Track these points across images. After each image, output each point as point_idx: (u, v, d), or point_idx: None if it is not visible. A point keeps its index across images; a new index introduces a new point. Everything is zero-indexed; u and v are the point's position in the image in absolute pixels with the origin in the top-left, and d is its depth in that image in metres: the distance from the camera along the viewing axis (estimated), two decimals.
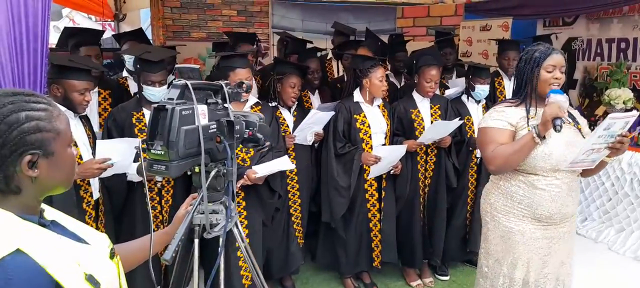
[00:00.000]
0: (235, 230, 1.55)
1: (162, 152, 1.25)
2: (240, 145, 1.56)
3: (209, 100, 1.44)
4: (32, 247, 0.92)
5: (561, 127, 1.96)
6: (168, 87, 1.49)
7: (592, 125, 4.48)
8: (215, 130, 1.39)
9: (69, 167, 1.06)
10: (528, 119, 2.11)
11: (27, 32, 2.01)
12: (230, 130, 1.43)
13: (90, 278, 0.98)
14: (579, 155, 1.98)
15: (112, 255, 1.13)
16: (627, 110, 4.39)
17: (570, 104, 3.87)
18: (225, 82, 1.48)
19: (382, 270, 3.46)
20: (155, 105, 1.28)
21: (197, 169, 1.38)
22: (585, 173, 2.20)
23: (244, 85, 1.55)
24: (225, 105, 1.48)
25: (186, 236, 1.39)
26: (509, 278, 2.20)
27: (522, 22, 6.05)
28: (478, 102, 3.47)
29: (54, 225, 1.06)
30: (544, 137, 2.02)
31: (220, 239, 1.39)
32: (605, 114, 4.73)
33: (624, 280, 3.56)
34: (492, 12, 6.36)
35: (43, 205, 1.08)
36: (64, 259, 0.96)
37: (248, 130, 1.51)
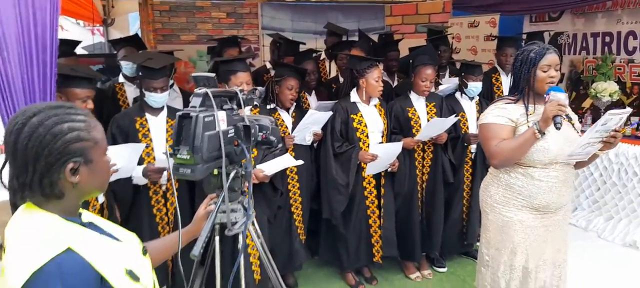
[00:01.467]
0: (251, 228, 1.62)
1: (188, 157, 1.32)
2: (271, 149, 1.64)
3: (224, 106, 1.51)
4: (80, 246, 1.00)
5: (561, 124, 2.07)
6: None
7: (580, 118, 4.62)
8: (233, 134, 1.46)
9: (105, 173, 1.14)
10: (527, 115, 2.21)
11: (36, 43, 2.04)
12: (246, 134, 1.50)
13: (131, 273, 1.06)
14: (577, 149, 2.11)
15: (145, 252, 1.20)
16: (613, 103, 4.55)
17: None
18: (239, 88, 1.55)
19: (381, 264, 3.54)
20: (180, 113, 1.35)
21: (215, 172, 1.45)
22: (578, 165, 2.32)
23: (257, 91, 1.62)
24: (239, 110, 1.55)
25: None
26: (509, 266, 2.31)
27: (509, 18, 6.18)
28: (471, 98, 3.57)
29: (92, 226, 1.13)
30: (544, 133, 2.12)
31: (240, 236, 1.46)
32: (592, 106, 4.88)
33: (613, 265, 3.71)
34: (480, 8, 6.48)
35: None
36: (106, 256, 1.04)
37: (261, 134, 1.59)
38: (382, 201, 3.31)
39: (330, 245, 3.45)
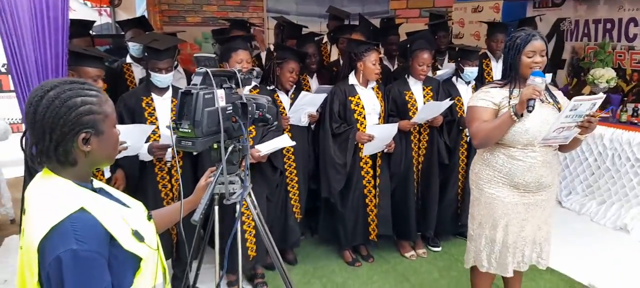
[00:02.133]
0: (248, 200, 1.74)
1: (189, 130, 1.44)
2: (261, 126, 1.76)
3: (224, 85, 1.62)
4: (92, 207, 1.14)
5: (533, 107, 2.19)
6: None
7: None
8: (231, 111, 1.57)
9: (114, 144, 1.26)
10: (510, 99, 2.32)
11: (49, 24, 2.16)
12: (244, 111, 1.61)
13: (136, 233, 1.20)
14: (550, 133, 2.21)
15: (149, 218, 1.33)
16: (610, 89, 4.61)
17: (556, 85, 4.07)
18: (238, 69, 1.66)
19: (378, 243, 3.68)
20: (182, 90, 1.46)
21: (215, 146, 1.56)
22: (563, 148, 2.42)
23: (255, 72, 1.73)
24: (238, 89, 1.66)
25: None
26: (490, 239, 2.45)
27: (513, 3, 6.19)
28: (468, 83, 3.65)
29: (102, 192, 1.25)
30: (522, 115, 2.24)
31: (237, 205, 1.58)
32: (591, 93, 4.94)
33: (603, 247, 3.83)
34: None
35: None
36: (114, 217, 1.18)
37: (258, 111, 1.70)
38: (378, 181, 3.43)
39: (329, 224, 3.58)
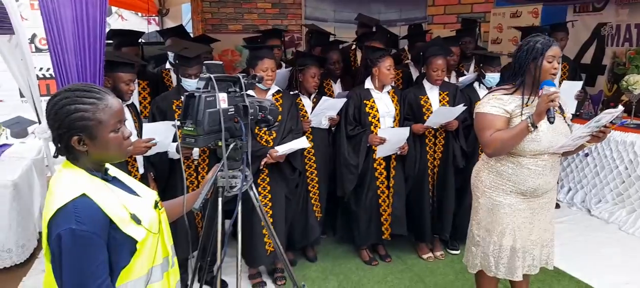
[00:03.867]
0: (250, 193, 1.93)
1: (192, 129, 1.65)
2: (265, 128, 1.94)
3: (229, 89, 1.82)
4: (93, 193, 1.34)
5: (554, 118, 2.17)
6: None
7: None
8: (233, 112, 1.77)
9: (114, 147, 1.42)
10: (523, 107, 2.30)
11: (88, 33, 2.45)
12: (245, 113, 1.80)
13: (134, 217, 1.39)
14: (568, 141, 2.23)
15: (156, 206, 1.53)
16: None
17: (586, 93, 4.02)
18: (242, 74, 1.86)
19: (396, 244, 3.78)
20: (187, 93, 1.67)
21: (219, 144, 1.76)
22: (565, 153, 2.44)
23: (257, 77, 1.92)
24: (247, 92, 1.86)
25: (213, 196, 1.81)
26: (498, 245, 2.48)
27: (552, 8, 6.08)
28: (489, 89, 3.69)
29: (114, 180, 1.47)
30: (537, 126, 2.23)
31: (237, 195, 1.78)
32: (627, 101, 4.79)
33: (629, 257, 3.74)
34: None
35: (109, 166, 1.50)
36: (114, 202, 1.37)
37: (261, 113, 1.89)
38: (392, 182, 3.55)
39: (345, 223, 3.73)
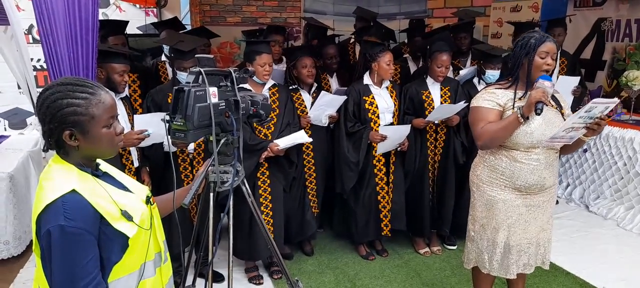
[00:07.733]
0: (243, 188, 1.91)
1: (182, 123, 1.62)
2: (255, 122, 1.92)
3: (220, 84, 1.79)
4: (83, 189, 1.32)
5: (541, 110, 2.18)
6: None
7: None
8: (224, 107, 1.74)
9: (105, 142, 1.39)
10: (515, 100, 2.32)
11: (80, 25, 2.42)
12: (236, 107, 1.77)
13: (125, 213, 1.37)
14: (559, 132, 2.20)
15: (147, 201, 1.50)
16: None
17: (585, 88, 3.98)
18: (235, 68, 1.83)
19: (392, 239, 3.77)
20: (176, 87, 1.64)
21: (210, 138, 1.73)
22: (564, 150, 2.41)
23: (250, 72, 1.89)
24: (240, 86, 1.83)
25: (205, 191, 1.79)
26: (492, 241, 2.47)
27: (552, 2, 6.03)
28: (489, 85, 3.65)
29: (105, 176, 1.45)
30: (528, 118, 2.24)
31: (229, 191, 1.76)
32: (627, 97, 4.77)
33: (626, 253, 3.74)
34: None
35: (100, 161, 1.48)
36: (103, 198, 1.35)
37: (252, 108, 1.86)
38: (391, 177, 3.52)
39: (343, 219, 3.71)
